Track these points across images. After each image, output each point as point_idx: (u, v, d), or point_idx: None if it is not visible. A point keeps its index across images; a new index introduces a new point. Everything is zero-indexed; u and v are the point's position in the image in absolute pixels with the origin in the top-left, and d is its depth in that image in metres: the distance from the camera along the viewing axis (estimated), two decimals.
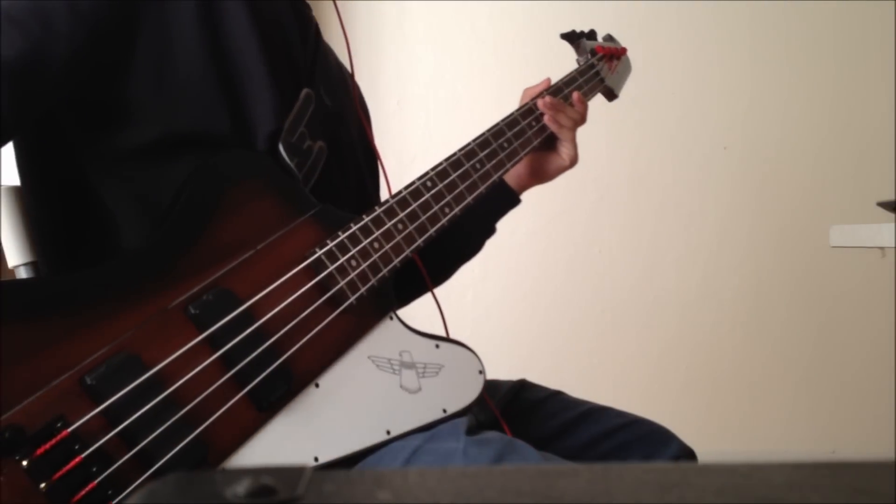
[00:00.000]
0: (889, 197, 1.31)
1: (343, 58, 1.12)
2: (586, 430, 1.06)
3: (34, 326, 0.67)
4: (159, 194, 0.83)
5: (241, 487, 0.30)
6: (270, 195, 0.86)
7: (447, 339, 0.94)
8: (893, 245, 1.22)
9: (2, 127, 0.75)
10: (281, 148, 0.89)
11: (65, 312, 0.69)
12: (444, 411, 0.88)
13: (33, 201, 0.92)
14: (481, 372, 0.94)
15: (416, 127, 2.47)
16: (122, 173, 0.85)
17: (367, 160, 1.11)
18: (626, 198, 2.51)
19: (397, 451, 0.83)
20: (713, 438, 2.35)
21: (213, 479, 0.31)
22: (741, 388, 2.50)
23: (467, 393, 0.92)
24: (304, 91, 0.94)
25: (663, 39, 2.50)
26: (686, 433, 1.09)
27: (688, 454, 1.06)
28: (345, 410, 0.82)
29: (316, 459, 0.79)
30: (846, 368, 2.47)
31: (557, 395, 1.12)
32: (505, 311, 2.47)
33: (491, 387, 1.07)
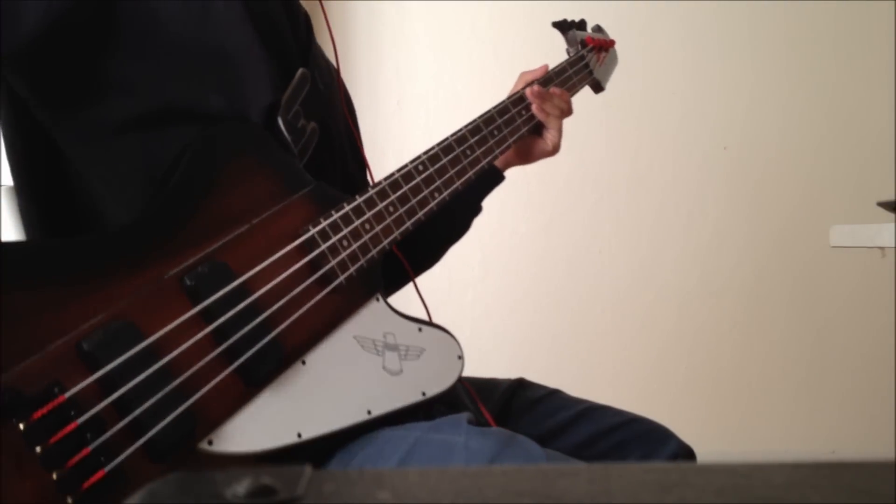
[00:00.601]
0: (889, 197, 1.31)
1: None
2: (584, 429, 1.06)
3: (30, 290, 0.67)
4: (151, 168, 0.83)
5: (242, 487, 0.30)
6: (267, 170, 0.87)
7: (429, 324, 0.95)
8: (893, 245, 1.23)
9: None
10: (280, 122, 0.90)
11: (62, 277, 0.69)
12: (423, 394, 0.89)
13: (24, 200, 0.92)
14: (460, 357, 0.95)
15: (416, 127, 2.47)
16: (109, 149, 0.85)
17: (353, 154, 1.13)
18: (625, 198, 2.51)
19: (398, 441, 0.83)
20: (713, 438, 2.35)
21: (213, 479, 0.31)
22: (741, 388, 2.50)
23: (446, 377, 0.93)
24: (301, 70, 0.95)
25: (663, 39, 2.51)
26: (685, 433, 1.09)
27: (686, 452, 1.06)
28: (329, 388, 0.83)
29: (299, 435, 0.79)
30: (846, 368, 2.47)
31: (555, 394, 1.12)
32: (505, 311, 2.47)
33: (489, 385, 1.07)
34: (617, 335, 2.51)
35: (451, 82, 2.52)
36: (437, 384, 0.91)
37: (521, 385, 1.12)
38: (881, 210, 1.30)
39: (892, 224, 1.22)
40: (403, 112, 2.47)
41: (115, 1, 0.82)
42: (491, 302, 2.46)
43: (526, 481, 0.32)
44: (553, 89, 1.18)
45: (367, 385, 0.86)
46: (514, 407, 1.06)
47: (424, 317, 0.97)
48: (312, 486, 0.31)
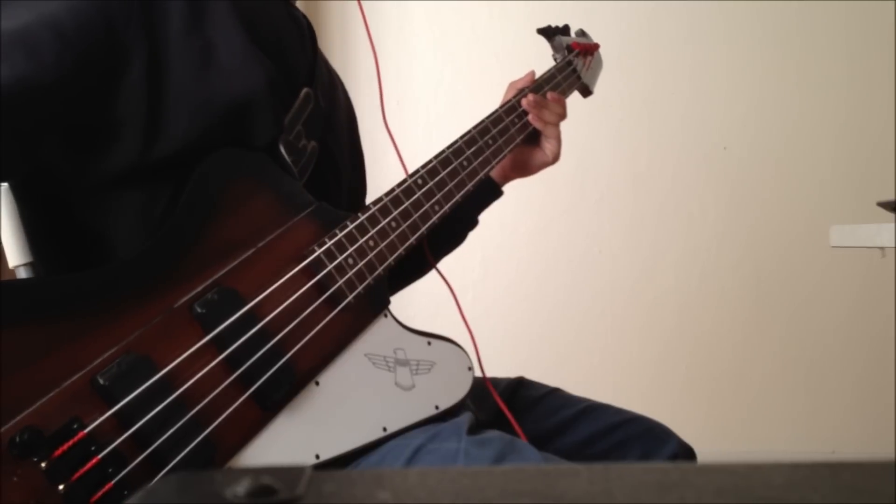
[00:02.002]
0: (889, 197, 1.31)
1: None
2: (585, 428, 1.06)
3: (41, 327, 0.67)
4: (155, 205, 0.83)
5: (241, 487, 0.30)
6: (268, 193, 0.86)
7: (438, 337, 0.95)
8: (893, 245, 1.22)
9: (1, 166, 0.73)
10: (280, 146, 0.90)
11: (72, 313, 0.69)
12: (437, 408, 0.90)
13: (20, 205, 0.91)
14: (470, 368, 0.95)
15: (416, 127, 2.47)
16: (112, 192, 0.83)
17: (354, 164, 1.12)
18: (626, 198, 2.51)
19: (400, 449, 0.84)
20: (713, 438, 2.35)
21: (212, 479, 0.31)
22: (741, 388, 2.50)
23: (458, 389, 0.93)
24: (304, 90, 0.94)
25: (663, 39, 2.50)
26: (686, 433, 1.09)
27: (686, 451, 1.06)
28: (344, 408, 0.83)
29: (317, 457, 0.79)
30: (846, 368, 2.47)
31: (555, 392, 1.12)
32: (505, 311, 2.47)
33: (485, 385, 1.07)
34: (617, 335, 2.51)
35: (451, 82, 2.52)
36: (449, 397, 0.92)
37: (521, 384, 1.12)
38: (881, 210, 1.30)
39: (892, 224, 1.22)
40: (403, 112, 2.47)
41: (126, 49, 0.79)
42: (491, 302, 2.45)
43: (526, 481, 0.32)
44: (550, 95, 1.17)
45: (381, 402, 0.86)
46: (514, 406, 1.06)
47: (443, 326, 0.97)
48: (312, 486, 0.31)
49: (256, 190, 0.86)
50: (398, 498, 0.30)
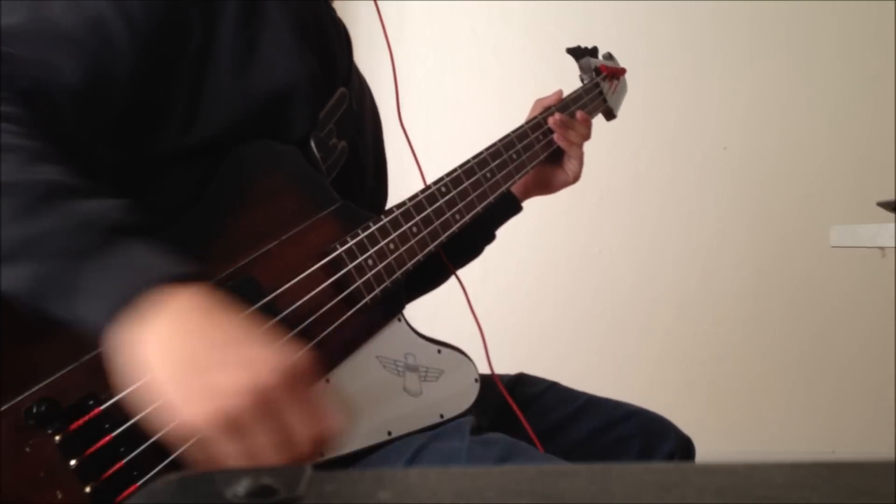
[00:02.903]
0: (889, 197, 1.31)
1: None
2: (585, 424, 1.07)
3: None
4: (183, 190, 0.83)
5: (241, 487, 0.30)
6: (296, 187, 0.87)
7: (448, 346, 0.95)
8: (893, 245, 1.22)
9: (76, 146, 0.73)
10: (312, 142, 0.91)
11: None
12: (441, 416, 0.90)
13: None
14: (477, 381, 0.96)
15: (417, 127, 2.46)
16: (145, 172, 0.84)
17: (376, 171, 1.13)
18: (626, 198, 2.51)
19: (402, 448, 0.84)
20: (713, 438, 2.34)
21: (212, 479, 0.31)
22: (741, 388, 2.50)
23: (463, 400, 0.94)
24: (340, 90, 0.96)
25: (663, 39, 2.50)
26: (686, 433, 1.09)
27: (685, 444, 1.07)
28: (352, 408, 0.83)
29: (322, 455, 0.79)
30: (846, 368, 2.47)
31: (554, 387, 1.13)
32: (505, 311, 2.47)
33: (489, 382, 1.07)
34: (617, 335, 2.51)
35: (452, 82, 2.52)
36: (454, 407, 0.92)
37: (519, 381, 1.12)
38: (881, 210, 1.30)
39: (892, 224, 1.22)
40: (403, 112, 2.46)
41: (189, 31, 0.80)
42: (491, 302, 2.45)
43: (526, 481, 0.32)
44: (580, 115, 1.18)
45: (387, 406, 0.87)
46: (514, 402, 1.06)
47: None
48: (313, 486, 0.31)
49: (285, 184, 0.86)
50: (398, 498, 0.30)
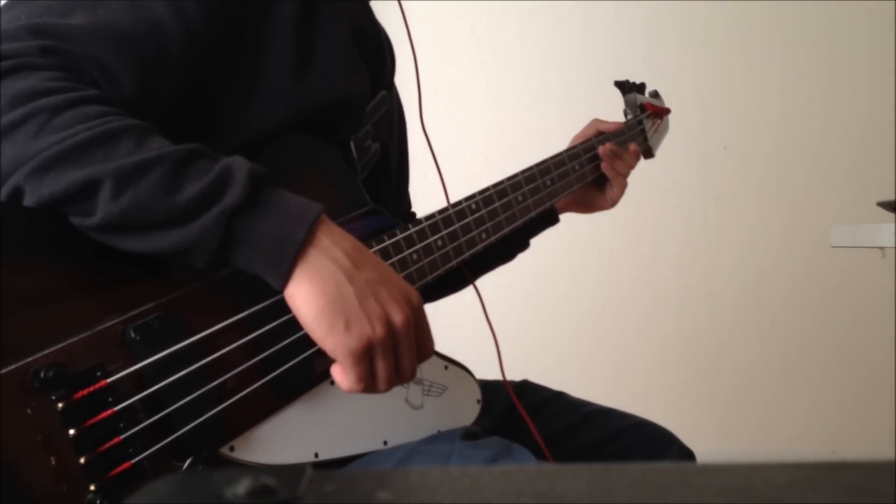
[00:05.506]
0: (889, 197, 1.32)
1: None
2: (589, 434, 1.07)
3: (83, 268, 0.67)
4: None
5: (241, 487, 0.30)
6: (331, 187, 0.88)
7: (455, 363, 0.96)
8: (893, 245, 1.22)
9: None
10: (351, 143, 0.92)
11: (118, 258, 0.68)
12: (439, 432, 0.90)
13: None
14: (479, 401, 0.96)
15: (417, 127, 2.47)
16: None
17: (399, 177, 1.15)
18: (626, 198, 2.50)
19: (392, 450, 0.84)
20: (713, 438, 2.35)
21: (212, 478, 0.31)
22: (741, 388, 2.50)
23: (463, 418, 0.94)
24: (382, 93, 0.97)
25: (663, 39, 2.50)
26: (686, 433, 1.09)
27: (688, 457, 1.06)
28: (351, 413, 0.83)
29: (316, 455, 0.80)
30: (846, 368, 2.47)
31: (560, 396, 1.12)
32: (505, 312, 2.46)
33: (493, 388, 1.07)
34: (617, 335, 2.51)
35: (452, 82, 2.52)
36: (452, 424, 0.92)
37: (525, 388, 1.12)
38: (881, 210, 1.30)
39: (892, 224, 1.22)
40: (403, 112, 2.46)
41: (238, 42, 0.80)
42: (490, 303, 2.45)
43: (526, 481, 0.32)
44: (632, 147, 1.22)
45: (387, 415, 0.87)
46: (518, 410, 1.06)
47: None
48: (312, 486, 0.31)
49: (322, 181, 0.87)
50: (398, 498, 0.30)
